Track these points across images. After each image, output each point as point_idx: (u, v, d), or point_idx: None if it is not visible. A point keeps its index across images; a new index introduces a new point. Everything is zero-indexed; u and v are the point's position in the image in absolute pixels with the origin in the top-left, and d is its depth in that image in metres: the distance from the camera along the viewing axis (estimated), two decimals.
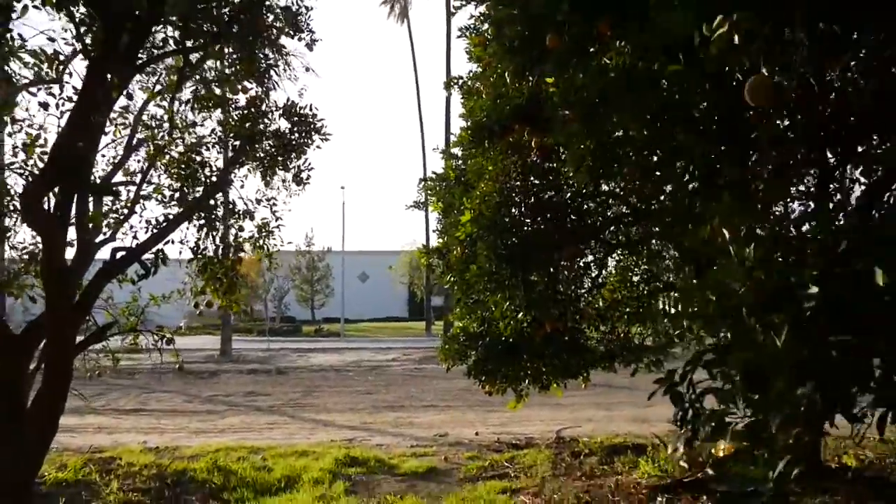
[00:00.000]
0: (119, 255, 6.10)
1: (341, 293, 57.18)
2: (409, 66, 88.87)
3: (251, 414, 13.51)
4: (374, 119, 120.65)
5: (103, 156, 7.59)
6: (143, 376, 22.59)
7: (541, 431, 11.11)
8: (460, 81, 7.91)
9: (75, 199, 5.52)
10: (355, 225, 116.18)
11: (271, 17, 6.69)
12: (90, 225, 6.71)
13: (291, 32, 6.87)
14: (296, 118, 6.58)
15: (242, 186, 6.86)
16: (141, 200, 6.39)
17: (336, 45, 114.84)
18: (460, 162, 8.10)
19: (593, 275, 7.99)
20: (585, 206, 7.29)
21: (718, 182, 3.54)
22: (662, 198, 5.13)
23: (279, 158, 6.45)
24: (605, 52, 3.86)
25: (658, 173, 4.21)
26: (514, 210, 6.74)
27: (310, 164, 6.82)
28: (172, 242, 6.25)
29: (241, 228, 6.54)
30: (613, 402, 13.90)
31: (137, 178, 6.88)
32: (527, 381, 7.93)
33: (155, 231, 6.16)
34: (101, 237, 6.89)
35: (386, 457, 8.86)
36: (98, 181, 7.44)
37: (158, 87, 6.88)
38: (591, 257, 7.94)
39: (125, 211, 6.89)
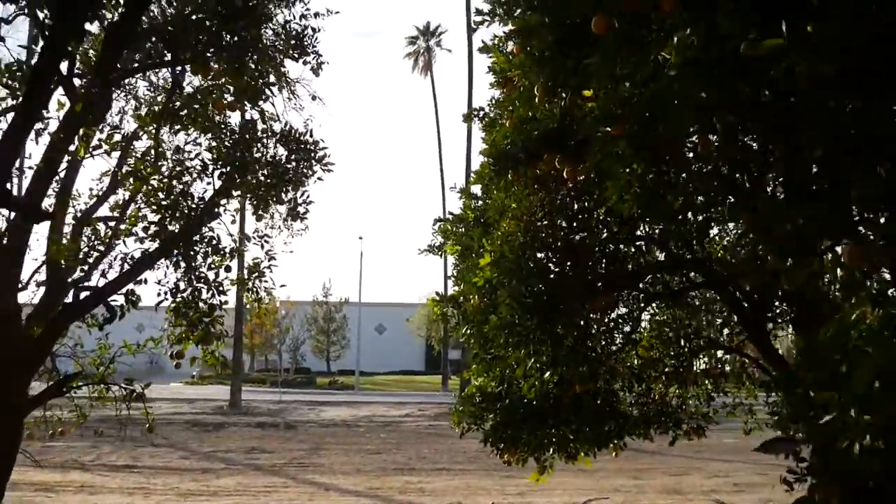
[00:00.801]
0: (83, 295, 5.28)
1: (357, 345, 56.15)
2: (431, 117, 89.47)
3: (249, 474, 12.51)
4: (395, 169, 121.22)
5: (90, 189, 6.92)
6: (140, 428, 21.69)
7: (563, 503, 10.02)
8: (481, 113, 7.12)
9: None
10: (373, 276, 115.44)
11: (271, 33, 5.99)
12: (62, 262, 5.94)
13: (296, 55, 6.17)
14: (294, 145, 5.81)
15: (234, 222, 6.05)
16: (120, 236, 5.59)
17: (355, 93, 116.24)
18: (480, 203, 7.28)
19: (626, 329, 7.06)
20: (621, 251, 6.40)
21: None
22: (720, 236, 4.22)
23: (273, 190, 5.66)
24: (665, 42, 3.05)
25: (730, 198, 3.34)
26: (539, 254, 5.87)
27: (308, 197, 6.02)
28: (145, 282, 5.43)
29: (226, 269, 5.70)
30: (642, 469, 12.76)
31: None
32: (552, 450, 6.94)
33: (125, 269, 5.34)
34: (77, 275, 6.12)
35: None
36: (80, 214, 6.73)
37: (143, 110, 6.16)
38: (624, 309, 7.02)
39: (101, 248, 6.13)
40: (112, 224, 6.24)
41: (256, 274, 5.88)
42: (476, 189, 7.39)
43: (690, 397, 8.29)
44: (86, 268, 6.00)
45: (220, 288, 5.48)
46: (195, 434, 20.01)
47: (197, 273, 5.37)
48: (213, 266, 5.53)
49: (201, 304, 5.36)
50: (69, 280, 6.01)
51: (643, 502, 10.19)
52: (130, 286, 5.36)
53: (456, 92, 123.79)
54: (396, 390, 50.01)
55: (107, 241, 6.13)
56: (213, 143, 5.73)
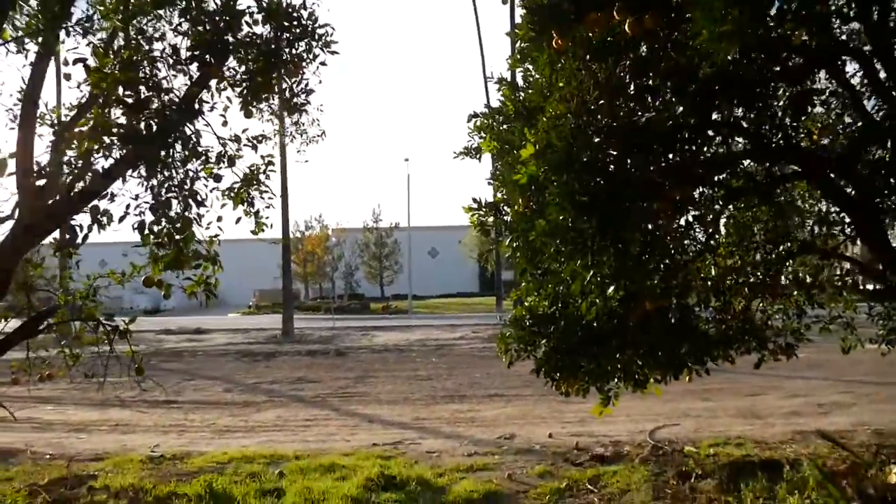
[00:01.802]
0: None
1: (409, 270, 55.76)
2: (473, 30, 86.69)
3: (291, 406, 11.87)
4: (438, 87, 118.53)
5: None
6: (195, 359, 21.46)
7: (629, 432, 9.05)
8: None
9: None
10: (423, 199, 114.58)
11: None
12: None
13: None
14: (284, 21, 4.66)
15: (226, 124, 4.98)
16: (82, 142, 4.58)
17: (392, 11, 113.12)
18: (521, 94, 6.08)
19: (701, 233, 5.90)
20: (697, 134, 5.17)
21: None
22: None
23: (261, 77, 4.55)
24: None
25: None
26: (595, 139, 4.68)
27: (307, 84, 4.91)
28: (112, 198, 4.44)
29: (215, 178, 4.68)
30: (712, 390, 11.67)
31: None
32: (616, 378, 5.91)
33: (86, 182, 4.36)
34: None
35: (432, 474, 6.95)
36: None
37: None
38: (693, 211, 5.83)
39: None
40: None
41: (250, 184, 4.84)
42: (518, 79, 6.19)
43: (777, 311, 7.13)
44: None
45: (196, 198, 4.46)
46: (244, 365, 19.67)
47: (170, 183, 4.36)
48: (194, 174, 4.50)
49: (170, 217, 4.35)
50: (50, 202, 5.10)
51: (718, 428, 9.15)
52: (96, 202, 4.39)
53: (498, 5, 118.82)
54: (450, 313, 49.64)
55: (83, 154, 5.15)
56: (187, 25, 4.63)
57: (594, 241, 4.40)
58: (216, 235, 4.93)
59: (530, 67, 5.93)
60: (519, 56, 5.99)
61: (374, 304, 54.26)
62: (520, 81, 6.12)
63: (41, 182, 4.74)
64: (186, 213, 4.40)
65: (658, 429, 9.15)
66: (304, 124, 6.32)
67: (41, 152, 5.04)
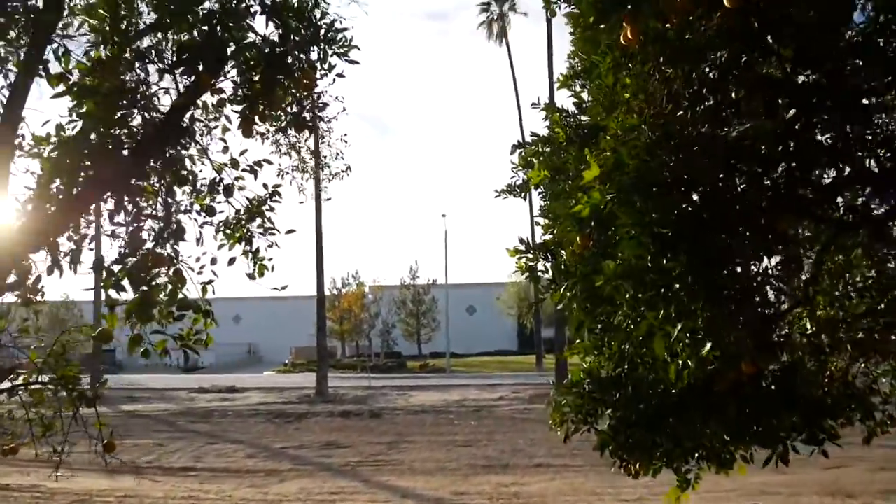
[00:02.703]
0: None
1: (446, 327, 54.69)
2: (509, 87, 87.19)
3: (317, 476, 10.83)
4: (476, 144, 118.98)
5: None
6: (224, 419, 20.57)
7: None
8: None
9: None
10: (460, 255, 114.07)
11: None
12: None
13: None
14: (293, 22, 3.86)
15: (226, 150, 4.14)
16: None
17: (429, 71, 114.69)
18: (571, 119, 5.19)
19: (803, 277, 4.86)
20: (797, 157, 4.18)
21: None
22: None
23: (262, 87, 3.73)
24: None
25: None
26: (676, 156, 3.72)
27: (320, 99, 4.07)
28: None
29: (207, 210, 3.83)
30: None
31: None
32: (697, 457, 4.83)
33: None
34: None
35: None
36: None
37: None
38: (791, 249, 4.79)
39: None
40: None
41: (252, 218, 3.96)
42: (565, 100, 5.31)
43: (884, 373, 5.99)
44: None
45: (172, 229, 3.59)
46: (274, 426, 18.73)
47: (146, 215, 3.50)
48: (175, 206, 3.65)
49: (135, 258, 3.46)
50: None
51: None
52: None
53: (533, 58, 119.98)
54: (489, 371, 48.23)
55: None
56: (173, 30, 3.84)
57: (683, 285, 3.41)
58: (210, 281, 4.05)
59: (584, 85, 5.08)
60: (571, 73, 5.13)
61: (412, 363, 53.14)
62: (570, 107, 5.24)
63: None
64: (157, 249, 3.53)
65: None
66: (325, 157, 5.44)
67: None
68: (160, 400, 29.68)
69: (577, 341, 5.10)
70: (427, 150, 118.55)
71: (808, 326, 5.47)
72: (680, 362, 3.38)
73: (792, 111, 3.34)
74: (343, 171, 9.35)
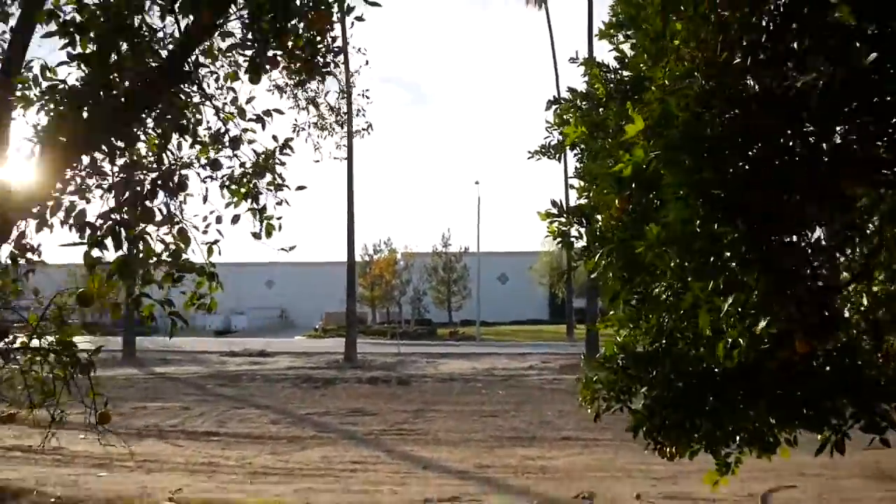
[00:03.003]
0: None
1: (477, 295, 54.46)
2: (547, 54, 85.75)
3: (340, 444, 10.65)
4: (510, 111, 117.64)
5: None
6: (252, 384, 20.59)
7: (734, 495, 7.50)
8: None
9: None
10: (493, 223, 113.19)
11: None
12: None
13: None
14: None
15: (235, 101, 3.82)
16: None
17: (467, 37, 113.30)
18: (613, 73, 4.77)
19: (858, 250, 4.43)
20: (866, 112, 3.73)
21: None
22: None
23: (272, 28, 3.38)
24: None
25: None
26: (731, 109, 3.30)
27: (334, 43, 3.71)
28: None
29: (213, 164, 3.52)
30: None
31: None
32: (738, 441, 4.47)
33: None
34: None
35: None
36: None
37: None
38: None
39: None
40: None
41: (261, 174, 3.64)
42: (606, 55, 4.88)
43: None
44: None
45: (172, 184, 3.27)
46: (301, 391, 18.68)
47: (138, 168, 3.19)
48: (177, 161, 3.33)
49: (119, 216, 3.16)
50: None
51: (847, 493, 7.50)
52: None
53: (572, 22, 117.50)
54: (519, 340, 47.97)
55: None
56: None
57: (735, 254, 3.02)
58: (216, 241, 3.75)
59: (628, 36, 4.66)
60: (613, 22, 4.72)
61: (442, 330, 53.02)
62: (611, 62, 4.81)
63: None
64: (147, 203, 3.23)
65: (772, 492, 7.55)
66: (342, 114, 5.11)
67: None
68: (192, 362, 29.94)
69: (611, 313, 4.75)
70: (462, 117, 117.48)
71: (865, 302, 5.05)
72: (729, 339, 3.00)
73: (873, 55, 2.89)
74: (364, 130, 8.79)
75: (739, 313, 3.08)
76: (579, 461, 9.30)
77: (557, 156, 5.78)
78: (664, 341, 4.36)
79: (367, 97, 9.63)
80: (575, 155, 5.34)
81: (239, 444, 10.56)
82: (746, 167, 3.08)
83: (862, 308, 5.00)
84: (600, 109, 4.60)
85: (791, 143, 3.28)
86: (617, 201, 3.99)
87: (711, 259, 3.08)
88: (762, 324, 3.03)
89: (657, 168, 3.29)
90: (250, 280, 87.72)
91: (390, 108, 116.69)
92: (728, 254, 3.06)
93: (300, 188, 3.89)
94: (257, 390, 19.10)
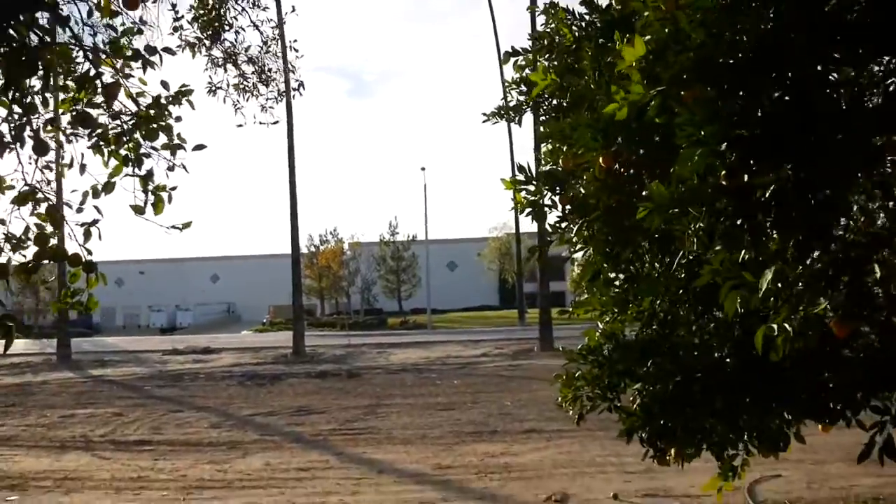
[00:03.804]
0: None
1: (427, 283, 53.73)
2: (491, 41, 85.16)
3: (285, 449, 9.78)
4: (456, 96, 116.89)
5: None
6: (193, 383, 19.49)
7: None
8: None
9: None
10: (441, 211, 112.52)
11: None
12: None
13: None
14: None
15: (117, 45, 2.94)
16: None
17: (409, 20, 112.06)
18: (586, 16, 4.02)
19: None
20: None
21: None
22: None
23: None
24: None
25: None
26: (758, 27, 2.57)
27: None
28: None
29: (81, 119, 2.66)
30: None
31: None
32: (746, 440, 3.80)
33: None
34: None
35: None
36: None
37: None
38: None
39: None
40: None
41: (148, 129, 2.78)
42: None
43: None
44: None
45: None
46: (245, 390, 17.70)
47: None
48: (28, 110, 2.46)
49: None
50: None
51: (836, 481, 7.00)
52: None
53: (518, 19, 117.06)
54: (471, 327, 47.47)
55: None
56: None
57: (779, 216, 2.30)
58: (94, 222, 2.88)
59: None
60: None
61: (392, 319, 52.21)
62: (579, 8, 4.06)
63: None
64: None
65: (756, 483, 6.99)
66: (271, 70, 4.30)
67: None
68: (132, 363, 28.50)
69: (589, 295, 4.03)
70: (406, 104, 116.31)
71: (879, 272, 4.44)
72: (775, 326, 2.29)
73: None
74: (295, 90, 7.58)
75: (781, 290, 2.36)
76: (546, 457, 8.63)
77: (517, 117, 5.02)
78: (658, 328, 3.67)
79: (296, 50, 8.16)
80: (542, 113, 4.60)
81: (174, 454, 9.59)
82: (786, 99, 2.36)
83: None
84: (571, 54, 3.85)
85: (827, 79, 2.57)
86: (601, 159, 3.26)
87: (743, 222, 2.36)
88: (823, 304, 2.32)
89: (663, 106, 2.56)
90: (195, 275, 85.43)
91: (330, 98, 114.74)
92: (762, 217, 2.34)
93: (198, 147, 3.05)
94: (199, 390, 18.03)
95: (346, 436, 10.49)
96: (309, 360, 26.25)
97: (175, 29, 5.41)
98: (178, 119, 2.90)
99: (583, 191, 3.53)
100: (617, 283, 3.79)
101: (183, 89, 2.89)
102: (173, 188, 3.00)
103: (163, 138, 2.90)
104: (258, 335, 49.55)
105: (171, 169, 2.96)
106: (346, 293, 62.75)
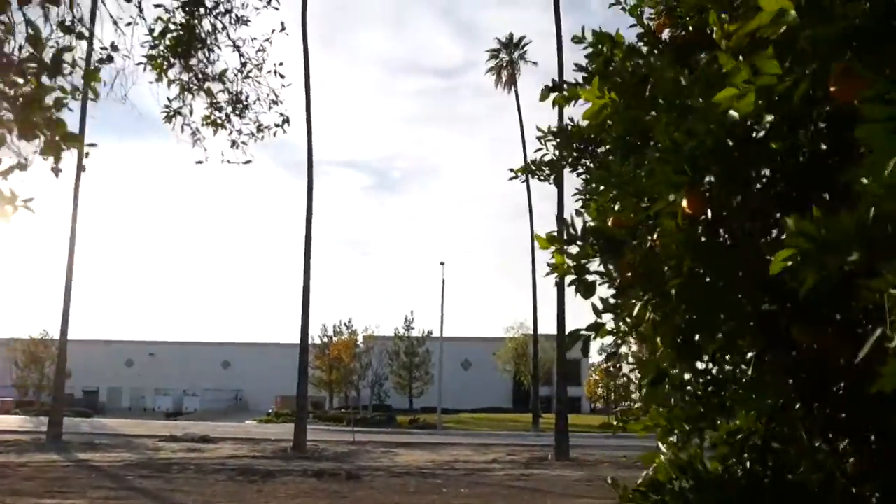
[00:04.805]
0: None
1: (439, 381, 52.05)
2: (516, 133, 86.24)
3: None
4: (478, 191, 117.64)
5: None
6: (182, 475, 18.05)
7: None
8: None
9: None
10: (457, 309, 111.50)
11: None
12: None
13: None
14: None
15: None
16: None
17: (431, 118, 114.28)
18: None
19: None
20: None
21: None
22: None
23: None
24: None
25: None
26: None
27: None
28: None
29: None
30: None
31: None
32: None
33: None
34: None
35: None
36: None
37: None
38: None
39: None
40: None
41: None
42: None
43: None
44: None
45: None
46: (234, 487, 16.30)
47: None
48: None
49: None
50: None
51: None
52: None
53: (542, 108, 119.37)
54: (482, 430, 45.52)
55: None
56: None
57: None
58: None
59: None
60: None
61: (401, 417, 50.34)
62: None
63: None
64: None
65: None
66: (248, 99, 3.45)
67: None
68: (123, 448, 27.03)
69: (651, 405, 2.91)
70: (428, 200, 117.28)
71: None
72: None
73: None
74: (278, 126, 6.45)
75: None
76: None
77: (551, 176, 4.03)
78: (755, 458, 2.52)
79: (282, 76, 7.07)
80: (582, 166, 3.62)
81: None
82: None
83: None
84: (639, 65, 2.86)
85: None
86: (686, 202, 2.22)
87: None
88: None
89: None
90: (205, 360, 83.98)
91: (352, 191, 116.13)
92: None
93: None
94: (185, 483, 16.63)
95: None
96: (309, 457, 24.71)
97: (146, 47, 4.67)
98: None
99: (652, 249, 2.48)
100: (692, 388, 2.68)
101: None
102: None
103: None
104: (262, 426, 47.88)
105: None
106: (355, 387, 61.02)
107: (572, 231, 2.79)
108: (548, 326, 44.99)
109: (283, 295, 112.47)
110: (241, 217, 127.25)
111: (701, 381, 2.65)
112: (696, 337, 2.51)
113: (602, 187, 2.86)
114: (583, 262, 2.74)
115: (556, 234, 2.76)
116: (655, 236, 2.53)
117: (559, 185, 3.47)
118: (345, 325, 61.83)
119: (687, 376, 2.67)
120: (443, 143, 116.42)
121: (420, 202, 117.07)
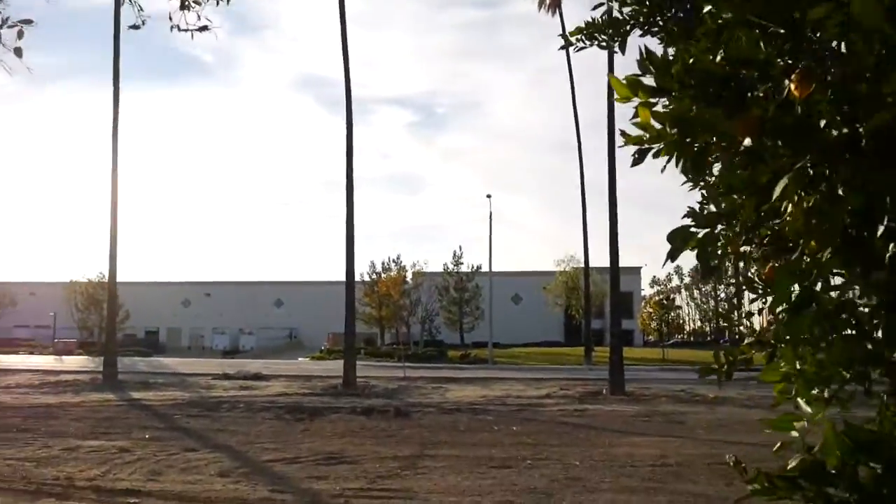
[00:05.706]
0: None
1: (489, 316, 51.55)
2: (562, 60, 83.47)
3: None
4: (524, 121, 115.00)
5: None
6: (230, 414, 17.79)
7: None
8: None
9: None
10: (506, 244, 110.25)
11: None
12: None
13: None
14: None
15: None
16: None
17: (472, 42, 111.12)
18: None
19: None
20: None
21: None
22: None
23: None
24: None
25: None
26: None
27: None
28: None
29: None
30: None
31: None
32: None
33: None
34: None
35: None
36: None
37: None
38: None
39: None
40: None
41: None
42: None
43: None
44: None
45: None
46: (281, 425, 15.97)
47: None
48: None
49: None
50: None
51: None
52: None
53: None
54: (534, 364, 45.02)
55: None
56: None
57: None
58: None
59: None
60: None
61: (453, 352, 50.08)
62: None
63: None
64: None
65: None
66: None
67: None
68: (176, 387, 27.14)
69: (793, 343, 1.94)
70: (473, 126, 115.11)
71: None
72: None
73: None
74: None
75: None
76: None
77: (615, 39, 2.96)
78: None
79: None
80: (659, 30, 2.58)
81: None
82: None
83: None
84: None
85: None
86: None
87: None
88: None
89: None
90: (259, 300, 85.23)
91: (397, 129, 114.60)
92: None
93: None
94: (231, 423, 16.36)
95: (372, 500, 8.45)
96: (358, 394, 24.41)
97: None
98: None
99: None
100: (858, 315, 1.71)
101: None
102: None
103: None
104: (314, 363, 48.17)
105: None
106: (406, 323, 61.01)
107: (668, 76, 1.79)
108: (599, 259, 43.66)
109: (335, 233, 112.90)
110: (292, 158, 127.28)
111: (874, 301, 1.68)
112: (879, 231, 1.54)
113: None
114: (683, 119, 1.75)
115: (640, 76, 1.77)
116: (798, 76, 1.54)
117: (622, 49, 2.36)
118: (393, 261, 61.59)
119: (852, 294, 1.70)
120: (486, 77, 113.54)
121: (465, 137, 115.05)
